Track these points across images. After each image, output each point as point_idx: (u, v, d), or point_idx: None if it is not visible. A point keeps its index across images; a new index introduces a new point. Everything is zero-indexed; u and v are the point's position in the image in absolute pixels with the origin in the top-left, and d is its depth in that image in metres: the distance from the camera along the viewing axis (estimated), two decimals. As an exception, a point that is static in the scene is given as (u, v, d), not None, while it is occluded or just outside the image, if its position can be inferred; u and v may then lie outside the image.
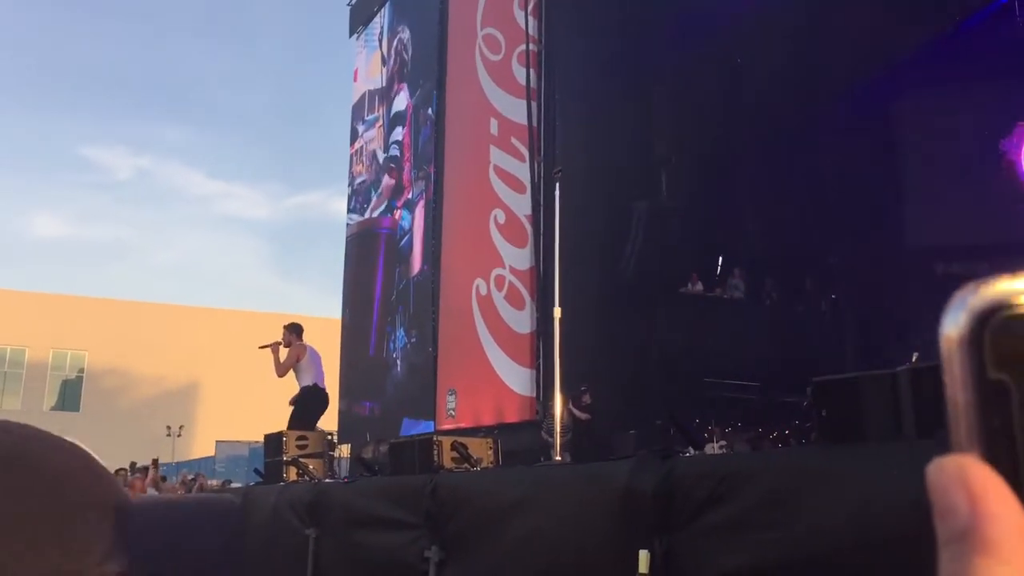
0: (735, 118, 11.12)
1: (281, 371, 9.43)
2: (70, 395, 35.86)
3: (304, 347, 9.63)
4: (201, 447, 33.50)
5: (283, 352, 9.59)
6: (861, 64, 10.54)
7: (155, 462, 15.41)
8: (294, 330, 9.69)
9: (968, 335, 0.27)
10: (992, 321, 0.27)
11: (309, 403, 9.58)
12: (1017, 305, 0.27)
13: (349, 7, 18.65)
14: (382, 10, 16.93)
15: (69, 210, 58.49)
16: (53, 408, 35.51)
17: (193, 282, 61.79)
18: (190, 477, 17.65)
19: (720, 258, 11.95)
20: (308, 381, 9.61)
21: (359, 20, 18.09)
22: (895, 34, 9.80)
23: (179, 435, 31.79)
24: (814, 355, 9.66)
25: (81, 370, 36.20)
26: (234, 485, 15.03)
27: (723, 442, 8.37)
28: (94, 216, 59.08)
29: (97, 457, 0.59)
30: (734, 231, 11.58)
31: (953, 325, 0.28)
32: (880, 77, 10.67)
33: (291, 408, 9.70)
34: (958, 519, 0.26)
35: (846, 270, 11.29)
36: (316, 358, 9.76)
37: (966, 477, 0.27)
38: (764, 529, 2.93)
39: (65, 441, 0.58)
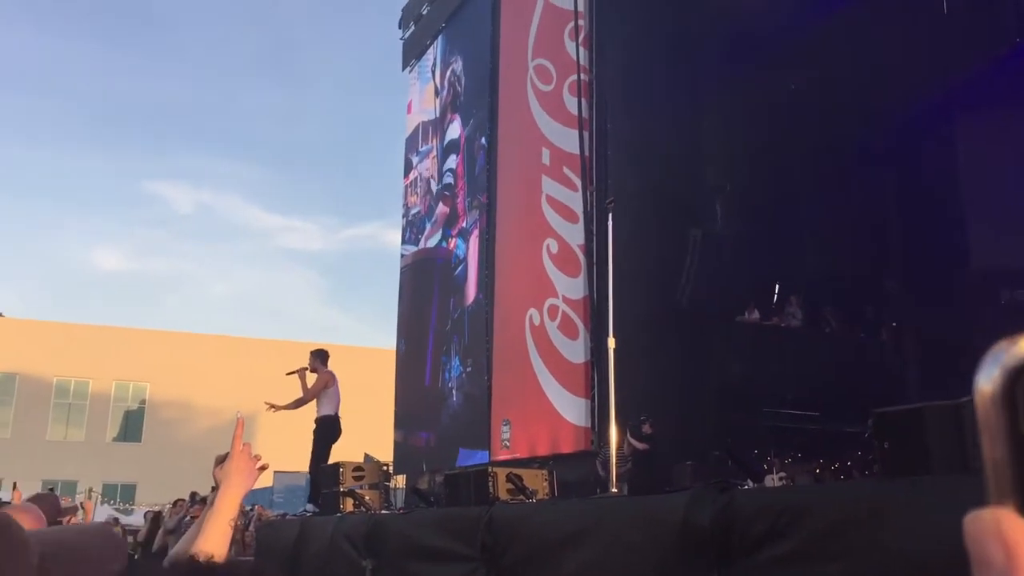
0: (789, 143, 11.01)
1: (309, 397, 9.44)
2: (132, 426, 36.58)
3: (331, 374, 9.64)
4: (259, 478, 33.79)
5: (310, 378, 9.61)
6: (919, 84, 10.39)
7: (215, 490, 15.56)
8: (320, 356, 9.67)
9: (1002, 391, 0.28)
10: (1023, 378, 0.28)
11: (328, 433, 9.57)
12: None
13: (402, 41, 18.96)
14: (435, 43, 17.18)
15: (131, 244, 60.04)
16: (116, 439, 36.25)
17: (250, 314, 62.86)
18: (248, 508, 17.82)
19: (777, 286, 11.78)
20: (330, 410, 9.58)
21: (412, 53, 18.37)
22: (955, 54, 9.64)
23: (238, 465, 32.09)
24: (875, 384, 9.46)
25: (143, 401, 36.93)
26: (291, 516, 15.13)
27: (783, 474, 8.21)
28: (155, 250, 60.57)
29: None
30: (791, 258, 11.42)
31: (987, 381, 0.29)
32: (939, 97, 10.50)
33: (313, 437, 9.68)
34: (993, 571, 0.27)
35: (907, 297, 11.06)
36: (337, 386, 9.78)
37: (1002, 530, 0.27)
38: (825, 563, 2.87)
39: None
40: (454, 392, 14.63)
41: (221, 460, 2.11)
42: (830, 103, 10.59)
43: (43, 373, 35.11)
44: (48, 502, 4.26)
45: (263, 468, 2.07)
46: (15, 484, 9.43)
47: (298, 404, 9.64)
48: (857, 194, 11.15)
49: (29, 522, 2.30)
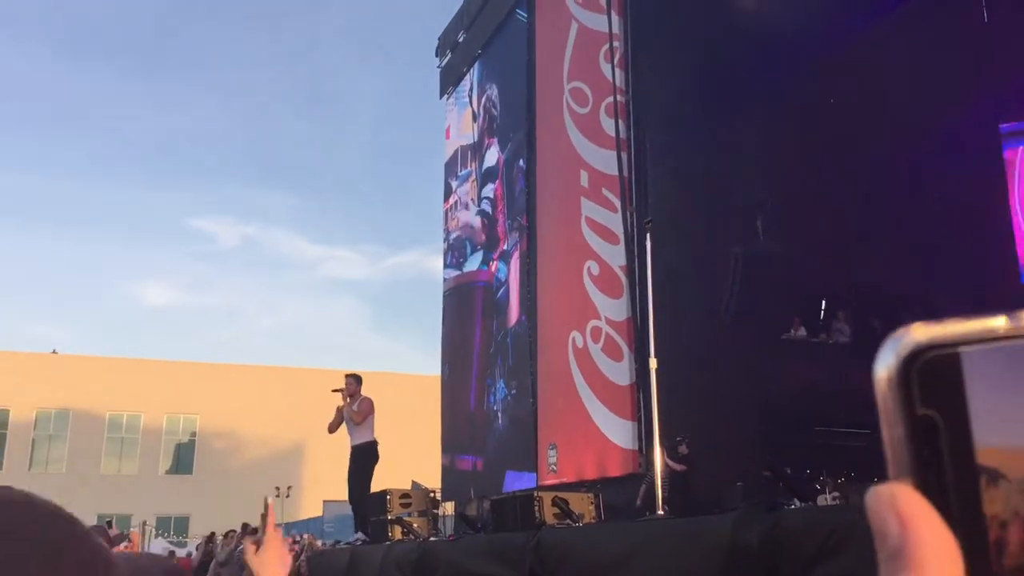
0: (831, 157, 10.90)
1: (359, 418, 9.44)
2: (184, 458, 37.05)
3: (371, 399, 9.67)
4: (309, 507, 34.05)
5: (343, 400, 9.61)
6: (962, 94, 10.24)
7: (247, 528, 15.71)
8: (359, 381, 9.71)
9: (897, 375, 0.30)
10: (918, 362, 0.30)
11: (373, 459, 9.57)
12: (939, 347, 0.30)
13: (439, 69, 19.20)
14: (471, 70, 17.35)
15: (179, 279, 61.13)
16: (168, 471, 36.74)
17: (297, 344, 63.51)
18: (299, 538, 17.93)
19: (823, 302, 11.63)
20: (371, 436, 9.59)
21: (449, 81, 18.58)
22: (997, 63, 9.50)
23: (287, 495, 32.42)
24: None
25: (193, 434, 37.41)
26: (342, 545, 15.19)
27: (836, 493, 8.06)
28: (202, 284, 61.57)
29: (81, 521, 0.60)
30: (836, 273, 11.26)
31: (883, 367, 0.31)
32: (988, 105, 10.34)
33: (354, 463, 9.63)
34: (890, 541, 0.29)
35: (957, 310, 10.80)
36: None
37: (897, 503, 0.29)
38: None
39: (55, 508, 0.60)
40: (500, 415, 14.61)
41: (254, 540, 2.10)
42: (871, 115, 10.48)
43: (96, 408, 35.76)
44: (100, 532, 4.33)
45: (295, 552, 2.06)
46: None
47: (340, 424, 9.65)
48: (903, 207, 10.99)
49: None
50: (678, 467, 8.68)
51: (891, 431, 0.30)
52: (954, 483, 0.29)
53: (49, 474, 34.33)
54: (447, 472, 16.21)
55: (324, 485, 31.44)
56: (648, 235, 6.81)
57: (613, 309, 11.00)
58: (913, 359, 0.30)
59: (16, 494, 0.59)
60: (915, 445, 0.30)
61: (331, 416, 9.81)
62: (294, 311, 62.32)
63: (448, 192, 18.32)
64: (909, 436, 0.30)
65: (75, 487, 32.76)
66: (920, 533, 0.29)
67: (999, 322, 0.31)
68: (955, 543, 0.29)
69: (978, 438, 0.30)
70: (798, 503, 4.13)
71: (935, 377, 0.30)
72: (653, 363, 6.27)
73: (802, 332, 11.18)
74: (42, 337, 64.40)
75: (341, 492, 10.12)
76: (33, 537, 0.56)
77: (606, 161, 11.40)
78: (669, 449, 8.47)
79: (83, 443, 35.47)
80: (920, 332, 0.31)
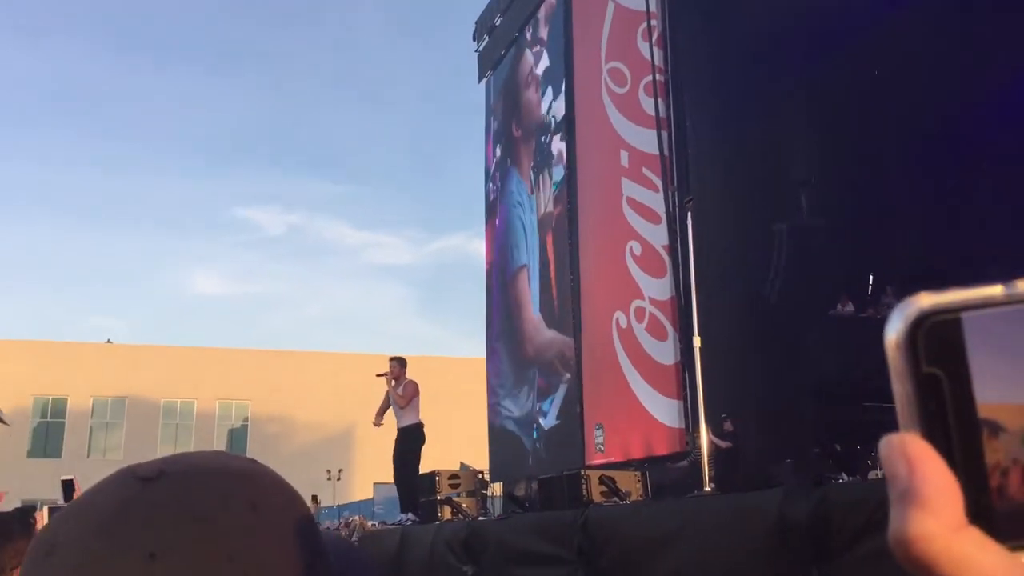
0: (876, 131, 10.73)
1: (404, 401, 9.48)
2: (237, 443, 37.71)
3: (415, 382, 9.69)
4: (360, 490, 34.51)
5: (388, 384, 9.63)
6: (1019, 60, 9.99)
7: (315, 498, 16.00)
8: (402, 364, 9.72)
9: (905, 338, 0.35)
10: (923, 326, 0.35)
11: (420, 441, 9.62)
12: (942, 313, 0.35)
13: (477, 54, 19.19)
14: (508, 53, 17.33)
15: (227, 268, 62.05)
16: (223, 456, 37.45)
17: (345, 330, 64.17)
18: (349, 519, 18.22)
19: (871, 277, 11.48)
20: (418, 417, 9.62)
21: (487, 65, 18.57)
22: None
23: (339, 479, 32.88)
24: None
25: (246, 419, 38.07)
26: (391, 525, 15.41)
27: (886, 468, 8.00)
28: (250, 272, 62.44)
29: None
30: (884, 248, 11.10)
31: (893, 331, 0.35)
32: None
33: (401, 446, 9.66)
34: (899, 482, 0.33)
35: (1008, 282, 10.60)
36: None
37: (906, 449, 0.34)
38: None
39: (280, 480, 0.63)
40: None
41: None
42: (917, 87, 10.29)
43: (151, 395, 36.53)
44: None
45: None
46: None
47: (386, 409, 9.74)
48: (951, 179, 10.78)
49: None
50: (723, 444, 8.68)
51: (900, 387, 0.35)
52: (957, 433, 0.34)
53: (107, 460, 35.20)
54: (495, 454, 16.31)
55: (374, 468, 31.81)
56: (690, 214, 6.79)
57: (656, 289, 10.98)
58: (919, 323, 0.35)
59: (261, 467, 0.62)
60: (922, 400, 0.34)
61: (379, 400, 9.92)
62: (340, 297, 63.00)
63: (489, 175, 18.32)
64: (916, 392, 0.34)
65: (132, 473, 33.56)
66: (926, 474, 0.33)
67: (996, 290, 0.35)
68: (957, 484, 0.33)
69: (979, 394, 0.34)
70: (847, 478, 4.13)
71: (939, 339, 0.34)
72: (697, 341, 6.28)
73: (849, 308, 11.05)
74: (97, 328, 65.91)
75: (391, 474, 10.27)
76: (281, 508, 0.59)
77: (646, 140, 11.34)
78: (714, 427, 8.48)
79: (139, 430, 36.28)
80: (925, 299, 0.35)
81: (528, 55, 16.17)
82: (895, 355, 0.35)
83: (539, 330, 14.84)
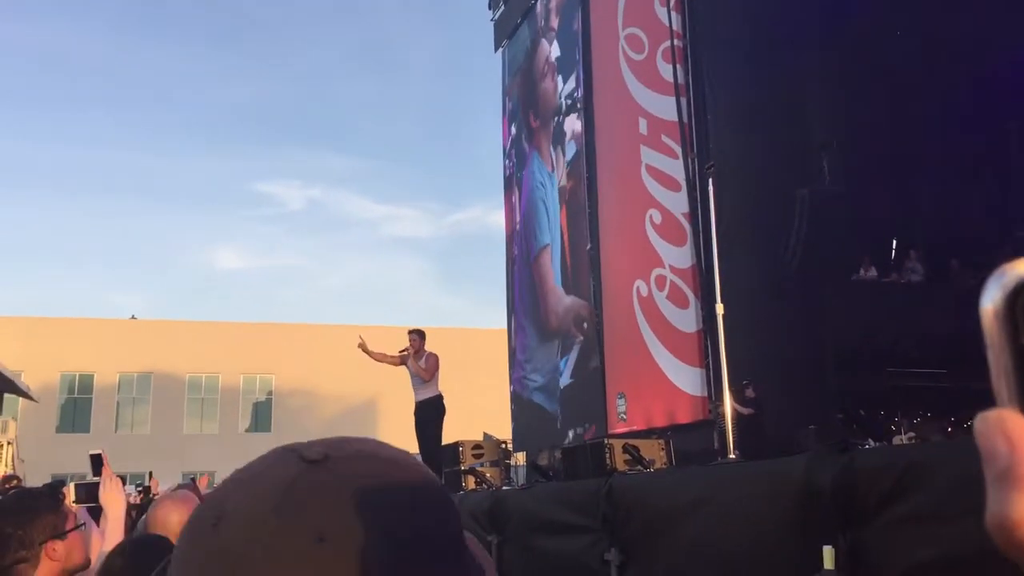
0: (898, 93, 10.56)
1: (428, 375, 9.38)
2: (262, 417, 38.08)
3: (436, 355, 9.58)
4: (383, 461, 34.74)
5: (412, 357, 9.54)
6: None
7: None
8: (422, 336, 9.62)
9: (1003, 308, 0.32)
10: (1023, 296, 0.32)
11: (442, 412, 9.56)
12: None
13: (493, 23, 19.04)
14: (524, 22, 17.18)
15: (249, 243, 62.22)
16: (247, 430, 37.83)
17: (365, 302, 64.36)
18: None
19: (894, 241, 11.36)
20: (437, 389, 9.53)
21: (503, 34, 18.43)
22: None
23: (363, 450, 33.06)
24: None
25: (270, 393, 38.39)
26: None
27: (912, 434, 7.96)
28: (272, 247, 62.61)
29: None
30: (907, 211, 10.97)
31: (989, 301, 0.33)
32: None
33: (423, 419, 9.60)
34: (999, 461, 0.31)
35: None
36: None
37: (1005, 427, 0.31)
38: (956, 519, 2.80)
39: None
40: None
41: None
42: (939, 47, 10.11)
43: (176, 371, 36.88)
44: (191, 488, 4.54)
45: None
46: (150, 473, 10.02)
47: (411, 370, 9.60)
48: (977, 139, 10.62)
49: (188, 507, 2.50)
50: (746, 411, 8.66)
51: (998, 361, 0.32)
52: None
53: (135, 435, 35.65)
54: (518, 424, 16.40)
55: (398, 439, 31.69)
56: (710, 180, 6.71)
57: (677, 257, 10.92)
58: (1018, 293, 0.32)
59: (413, 459, 0.62)
60: (1021, 373, 0.32)
61: (403, 369, 9.83)
62: (361, 270, 63.12)
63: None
64: (1015, 365, 0.32)
65: (159, 447, 33.96)
66: None
67: None
68: None
69: None
70: (872, 443, 4.10)
71: None
72: (720, 309, 6.23)
73: (872, 272, 10.96)
74: (122, 304, 66.40)
75: (414, 446, 10.31)
76: (439, 499, 0.58)
77: (665, 107, 11.23)
78: (736, 393, 8.46)
79: (165, 405, 36.67)
80: (1022, 268, 0.33)
81: (543, 44, 16.07)
82: (992, 326, 0.32)
83: (561, 301, 14.89)
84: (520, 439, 15.58)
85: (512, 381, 16.93)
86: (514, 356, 17.03)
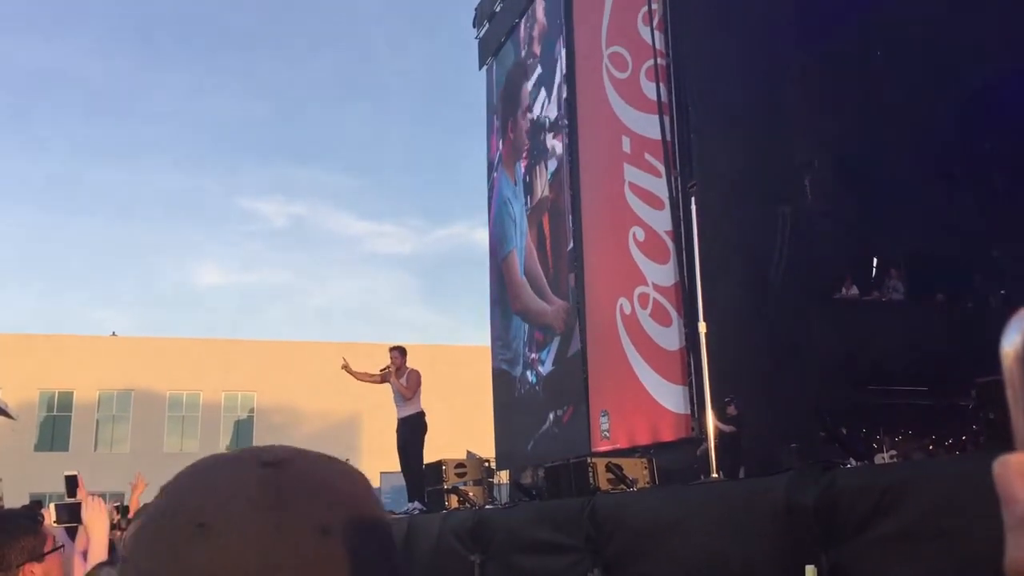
0: (878, 113, 10.68)
1: (410, 393, 9.40)
2: (243, 434, 37.80)
3: (418, 371, 9.58)
4: (368, 479, 34.55)
5: (395, 374, 9.54)
6: (1016, 43, 9.94)
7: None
8: (403, 353, 9.63)
9: (1023, 351, 0.31)
10: None
11: (423, 429, 9.56)
12: None
13: (477, 40, 19.10)
14: (509, 40, 17.25)
15: (230, 259, 61.89)
16: (229, 447, 37.55)
17: (348, 319, 64.10)
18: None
19: (875, 259, 11.45)
20: (419, 406, 9.54)
21: (487, 52, 18.49)
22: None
23: (345, 468, 32.87)
24: (986, 355, 9.08)
25: (251, 410, 38.14)
26: (399, 514, 15.44)
27: (893, 452, 7.99)
28: (254, 263, 62.29)
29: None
30: (888, 230, 11.08)
31: (1011, 344, 0.32)
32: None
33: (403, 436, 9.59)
34: (1019, 507, 0.30)
35: (1015, 263, 10.60)
36: None
37: None
38: (936, 538, 2.81)
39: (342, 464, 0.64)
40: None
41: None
42: (919, 70, 10.23)
43: (156, 388, 36.58)
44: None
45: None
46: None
47: (381, 382, 9.60)
48: (955, 160, 10.74)
49: None
50: (727, 428, 8.67)
51: (1018, 405, 0.31)
52: None
53: (114, 454, 35.30)
54: (502, 442, 16.38)
55: (381, 456, 31.84)
56: (693, 199, 6.75)
57: (660, 274, 10.95)
58: None
59: (348, 467, 0.64)
60: None
61: (387, 387, 9.80)
62: (344, 287, 62.91)
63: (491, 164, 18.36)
64: None
65: (139, 465, 33.59)
66: None
67: None
68: None
69: None
70: (854, 462, 4.12)
71: None
72: (702, 327, 6.24)
73: (854, 291, 11.04)
74: (102, 321, 65.91)
75: (397, 464, 10.27)
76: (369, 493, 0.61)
77: (648, 126, 11.29)
78: (718, 411, 8.47)
79: (145, 422, 36.35)
80: None
81: (527, 63, 16.28)
82: (1013, 368, 0.32)
83: (525, 290, 15.57)
84: (504, 457, 15.51)
85: (492, 356, 17.24)
86: (495, 342, 17.38)
